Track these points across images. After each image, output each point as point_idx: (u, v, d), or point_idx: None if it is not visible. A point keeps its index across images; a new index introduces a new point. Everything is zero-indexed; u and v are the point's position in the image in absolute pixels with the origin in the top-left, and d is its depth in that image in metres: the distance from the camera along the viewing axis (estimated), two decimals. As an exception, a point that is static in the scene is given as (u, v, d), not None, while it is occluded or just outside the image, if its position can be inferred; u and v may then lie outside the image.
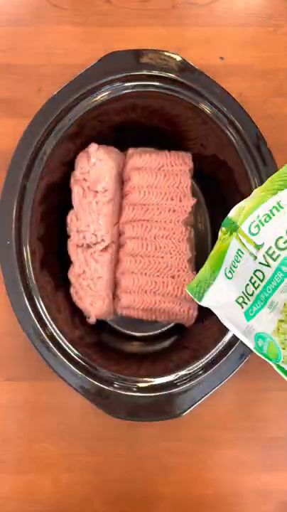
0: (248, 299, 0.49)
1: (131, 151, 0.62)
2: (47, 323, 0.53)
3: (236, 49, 0.68)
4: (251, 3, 0.68)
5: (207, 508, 0.64)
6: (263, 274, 0.45)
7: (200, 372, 0.53)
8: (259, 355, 0.49)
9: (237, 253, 0.48)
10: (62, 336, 0.53)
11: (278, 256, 0.43)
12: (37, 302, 0.53)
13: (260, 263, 0.45)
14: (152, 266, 0.59)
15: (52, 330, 0.53)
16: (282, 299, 0.44)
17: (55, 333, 0.53)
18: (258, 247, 0.45)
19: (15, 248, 0.52)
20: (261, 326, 0.47)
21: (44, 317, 0.53)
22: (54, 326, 0.53)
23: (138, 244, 0.59)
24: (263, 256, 0.45)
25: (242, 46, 0.68)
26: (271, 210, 0.45)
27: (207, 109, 0.54)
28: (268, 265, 0.45)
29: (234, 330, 0.50)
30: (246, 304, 0.49)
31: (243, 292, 0.49)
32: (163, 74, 0.54)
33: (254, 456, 0.64)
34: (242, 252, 0.47)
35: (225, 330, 0.53)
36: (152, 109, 0.59)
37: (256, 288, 0.47)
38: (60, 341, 0.53)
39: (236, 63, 0.68)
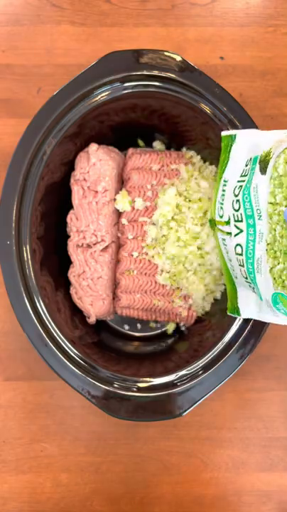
0: (251, 283, 0.49)
1: (131, 151, 0.62)
2: (47, 323, 0.53)
3: (236, 49, 0.68)
4: (251, 3, 0.68)
5: (207, 507, 0.64)
6: (240, 246, 0.48)
7: (200, 372, 0.53)
8: None
9: (223, 243, 0.51)
10: (62, 336, 0.53)
11: (241, 216, 0.47)
12: (37, 302, 0.53)
13: (235, 235, 0.48)
14: (152, 266, 0.59)
15: (52, 330, 0.53)
16: (262, 250, 0.46)
17: (55, 333, 0.53)
18: (227, 222, 0.50)
19: (15, 248, 0.52)
20: (267, 291, 0.47)
21: (44, 317, 0.53)
22: (54, 326, 0.53)
23: (138, 244, 0.59)
24: (235, 226, 0.48)
25: (242, 46, 0.68)
26: (223, 190, 0.51)
27: (207, 109, 0.54)
28: (241, 230, 0.47)
29: (273, 320, 0.49)
30: (255, 288, 0.49)
31: (246, 281, 0.50)
32: (163, 74, 0.54)
33: (254, 456, 0.64)
34: (224, 239, 0.51)
35: (225, 330, 0.54)
36: (152, 109, 0.59)
37: (242, 265, 0.48)
38: (60, 341, 0.53)
39: (236, 63, 0.68)
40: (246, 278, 0.49)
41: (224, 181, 0.51)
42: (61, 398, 0.64)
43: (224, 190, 0.50)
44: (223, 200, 0.50)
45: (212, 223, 0.54)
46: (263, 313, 0.49)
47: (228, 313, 0.53)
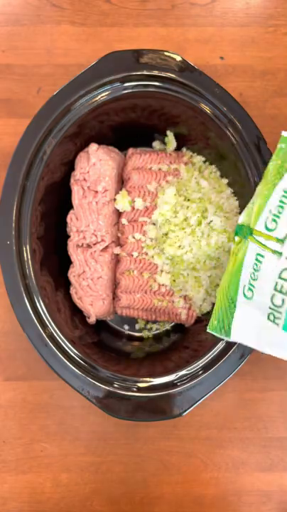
0: (279, 312, 0.43)
1: (131, 151, 0.62)
2: (47, 323, 0.53)
3: (236, 49, 0.68)
4: (251, 3, 0.68)
5: (207, 508, 0.64)
6: None
7: (200, 372, 0.53)
8: None
9: (256, 259, 0.45)
10: (62, 336, 0.53)
11: None
12: (37, 302, 0.53)
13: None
14: (152, 266, 0.59)
15: (52, 330, 0.53)
16: None
17: (55, 333, 0.53)
18: (281, 241, 0.43)
19: (15, 248, 0.52)
20: None
21: (44, 317, 0.53)
22: (54, 326, 0.53)
23: (138, 244, 0.59)
24: None
25: (242, 46, 0.68)
26: (281, 201, 0.44)
27: (207, 109, 0.54)
28: None
29: (282, 355, 0.44)
30: (279, 318, 0.43)
31: (271, 307, 0.44)
32: (163, 74, 0.54)
33: (254, 456, 0.64)
34: (262, 256, 0.45)
35: (225, 330, 0.54)
36: (152, 109, 0.59)
37: (285, 294, 0.42)
38: (60, 341, 0.53)
39: (236, 63, 0.68)
40: (277, 306, 0.43)
41: (285, 192, 0.44)
42: (61, 398, 0.64)
43: (282, 202, 0.44)
44: (280, 213, 0.44)
45: (245, 230, 0.47)
46: (270, 345, 0.44)
47: (207, 331, 0.49)
